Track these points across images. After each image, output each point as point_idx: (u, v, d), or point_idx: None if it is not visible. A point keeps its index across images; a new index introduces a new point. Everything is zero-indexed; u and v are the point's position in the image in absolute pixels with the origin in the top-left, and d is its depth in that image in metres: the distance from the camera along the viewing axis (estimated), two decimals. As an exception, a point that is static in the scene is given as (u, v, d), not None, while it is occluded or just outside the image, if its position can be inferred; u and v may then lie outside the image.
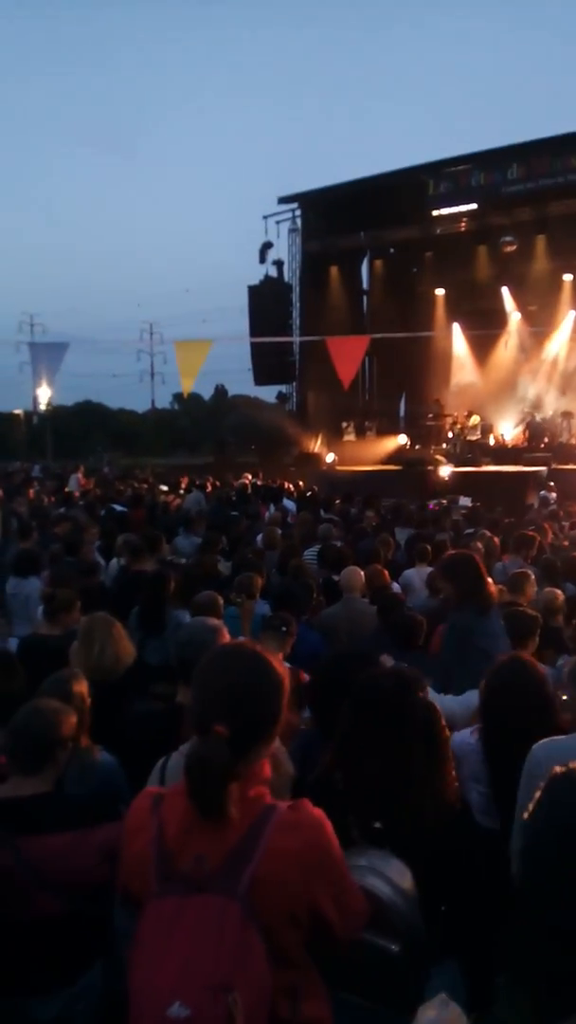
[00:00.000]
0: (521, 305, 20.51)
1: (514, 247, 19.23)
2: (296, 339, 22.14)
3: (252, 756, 1.47)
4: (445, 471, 17.76)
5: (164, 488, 14.54)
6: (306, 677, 3.55)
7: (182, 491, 14.26)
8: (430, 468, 17.63)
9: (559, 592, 5.23)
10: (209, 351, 13.37)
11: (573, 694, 2.41)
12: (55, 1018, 2.11)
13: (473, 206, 19.59)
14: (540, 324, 20.31)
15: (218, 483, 15.45)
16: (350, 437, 21.82)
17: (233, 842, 1.39)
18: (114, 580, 6.25)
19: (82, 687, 2.81)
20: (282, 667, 1.58)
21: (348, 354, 13.06)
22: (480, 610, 3.61)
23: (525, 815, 1.23)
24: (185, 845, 1.40)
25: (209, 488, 14.30)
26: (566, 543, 7.70)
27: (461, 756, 2.83)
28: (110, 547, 7.42)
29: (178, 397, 65.95)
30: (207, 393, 66.73)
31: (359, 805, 1.76)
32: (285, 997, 1.38)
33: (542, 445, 18.42)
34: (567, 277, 19.70)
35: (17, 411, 48.90)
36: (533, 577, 5.34)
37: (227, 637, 3.00)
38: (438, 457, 19.01)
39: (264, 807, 1.44)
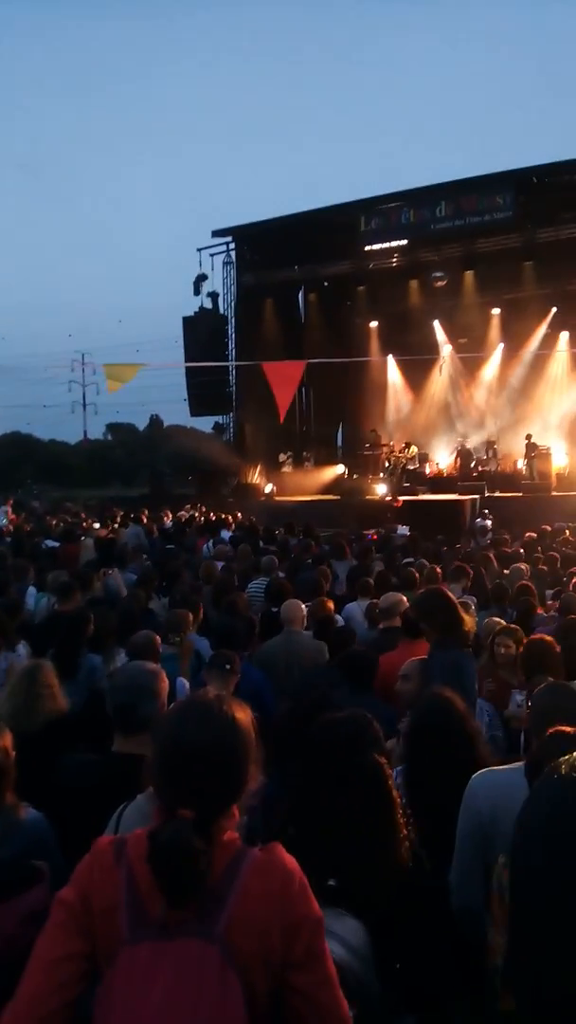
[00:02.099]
0: (452, 338, 21.09)
1: (444, 282, 19.80)
2: (232, 363, 22.13)
3: (224, 816, 1.43)
4: (381, 489, 18.11)
5: (96, 524, 14.03)
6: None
7: (116, 524, 13.90)
8: (374, 498, 17.84)
9: (500, 620, 5.25)
10: (143, 379, 13.10)
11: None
12: None
13: (404, 242, 20.14)
14: (471, 356, 20.91)
15: (148, 516, 15.13)
16: (287, 468, 21.85)
17: (208, 886, 1.35)
18: (43, 620, 5.95)
19: (5, 740, 2.57)
20: (248, 717, 1.53)
21: (284, 380, 13.15)
22: (461, 646, 3.64)
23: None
24: (157, 890, 1.35)
25: (144, 521, 14.00)
26: (506, 571, 7.75)
27: None
28: (43, 583, 7.09)
29: (112, 428, 65.25)
30: (142, 424, 66.26)
31: (313, 861, 1.68)
32: None
33: (474, 474, 18.86)
34: (495, 311, 20.39)
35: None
36: (473, 607, 5.39)
37: (166, 682, 2.84)
38: (371, 478, 19.33)
39: (237, 850, 1.42)
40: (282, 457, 21.74)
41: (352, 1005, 1.46)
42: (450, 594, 3.93)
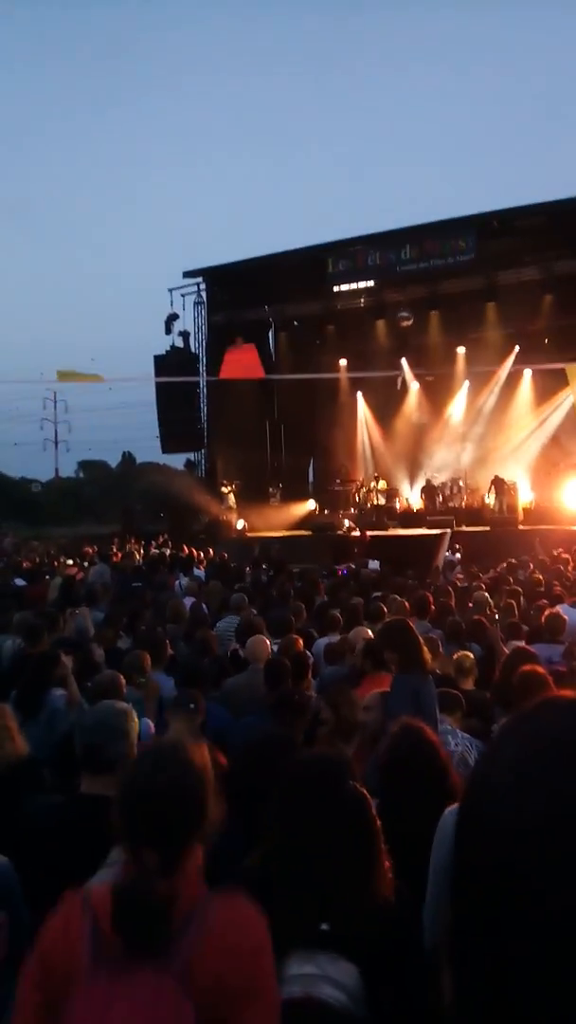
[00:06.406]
0: (419, 375, 21.50)
1: (410, 322, 20.26)
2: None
3: (186, 856, 1.49)
4: (346, 524, 18.26)
5: (68, 561, 13.96)
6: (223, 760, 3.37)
7: (86, 563, 13.80)
8: (340, 532, 17.91)
9: (469, 654, 5.29)
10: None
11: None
12: None
13: (371, 283, 20.63)
14: (437, 393, 21.33)
15: (120, 553, 15.05)
16: (231, 502, 20.63)
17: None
18: (9, 661, 5.88)
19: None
20: (205, 758, 1.63)
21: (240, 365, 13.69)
22: (424, 673, 3.82)
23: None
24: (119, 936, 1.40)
25: (116, 558, 13.91)
26: (470, 604, 7.83)
27: None
28: (7, 626, 7.01)
29: (84, 465, 64.93)
30: (114, 461, 66.03)
31: (300, 905, 1.65)
32: None
33: (442, 509, 19.09)
34: (460, 350, 20.88)
35: None
36: (440, 643, 5.47)
37: (135, 721, 2.83)
38: (341, 513, 19.40)
39: (198, 898, 1.46)
40: (225, 488, 20.95)
41: None
42: (411, 624, 4.09)
